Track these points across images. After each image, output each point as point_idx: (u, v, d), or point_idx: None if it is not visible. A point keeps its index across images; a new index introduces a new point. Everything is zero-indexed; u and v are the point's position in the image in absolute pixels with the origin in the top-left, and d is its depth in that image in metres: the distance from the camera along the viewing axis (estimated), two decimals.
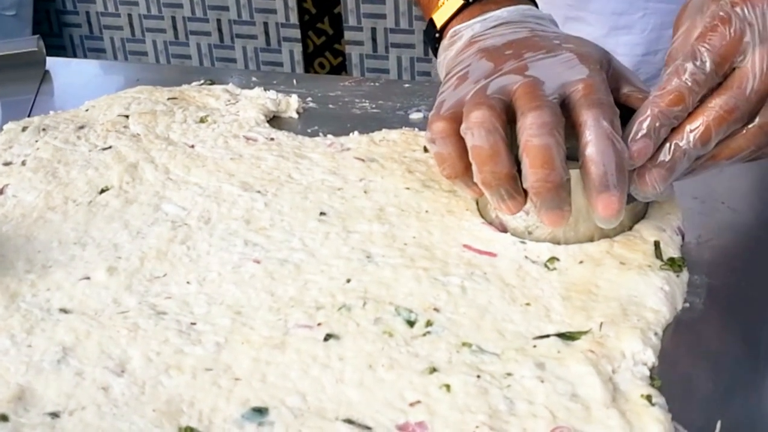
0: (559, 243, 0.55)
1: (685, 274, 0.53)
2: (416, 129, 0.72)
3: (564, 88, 0.53)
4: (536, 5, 0.66)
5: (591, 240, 0.55)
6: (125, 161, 0.68)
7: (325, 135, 0.72)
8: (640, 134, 0.51)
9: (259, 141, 0.71)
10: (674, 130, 0.52)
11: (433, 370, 0.46)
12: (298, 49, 2.45)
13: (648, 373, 0.45)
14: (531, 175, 0.51)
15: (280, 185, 0.64)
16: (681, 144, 0.52)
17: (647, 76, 0.90)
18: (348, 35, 2.38)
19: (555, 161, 0.50)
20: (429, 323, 0.49)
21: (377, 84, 0.83)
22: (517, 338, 0.48)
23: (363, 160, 0.67)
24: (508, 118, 0.53)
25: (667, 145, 0.52)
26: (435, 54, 0.68)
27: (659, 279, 0.51)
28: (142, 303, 0.52)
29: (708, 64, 0.50)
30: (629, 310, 0.49)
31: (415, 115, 0.76)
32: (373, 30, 2.33)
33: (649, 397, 0.43)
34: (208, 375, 0.47)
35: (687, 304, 0.51)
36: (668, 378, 0.45)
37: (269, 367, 0.47)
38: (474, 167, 0.53)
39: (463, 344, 0.47)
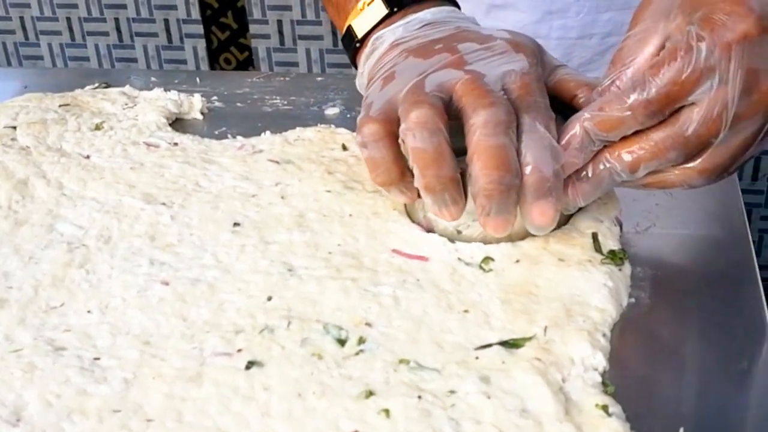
0: (490, 242, 0.52)
1: (627, 267, 0.50)
2: (332, 126, 0.67)
3: (503, 81, 0.50)
4: (458, 7, 0.62)
5: (524, 237, 0.52)
6: (13, 178, 0.62)
7: (234, 137, 0.67)
8: (570, 147, 0.48)
9: (161, 147, 0.66)
10: (606, 147, 0.49)
11: (370, 393, 0.41)
12: (201, 45, 2.36)
13: (600, 378, 0.42)
14: (483, 177, 0.47)
15: (187, 195, 0.59)
16: (608, 165, 0.49)
17: (581, 60, 0.88)
18: (253, 29, 2.31)
19: (510, 163, 0.47)
20: (361, 340, 0.45)
21: (287, 79, 0.78)
22: (458, 350, 0.44)
23: (278, 163, 0.62)
24: (450, 117, 0.49)
25: (596, 162, 0.49)
26: (354, 63, 0.63)
27: (601, 274, 0.48)
28: (38, 338, 0.47)
29: (654, 103, 0.46)
30: (573, 311, 0.46)
31: (330, 111, 0.72)
32: (279, 22, 2.27)
33: (605, 407, 0.40)
34: (116, 417, 0.41)
35: (632, 300, 0.48)
36: (621, 382, 0.42)
37: (185, 404, 0.42)
38: (416, 171, 0.49)
39: (400, 361, 0.43)
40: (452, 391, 0.41)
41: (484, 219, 0.49)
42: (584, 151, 0.48)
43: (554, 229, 0.51)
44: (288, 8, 2.25)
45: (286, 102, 0.74)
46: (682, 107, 0.47)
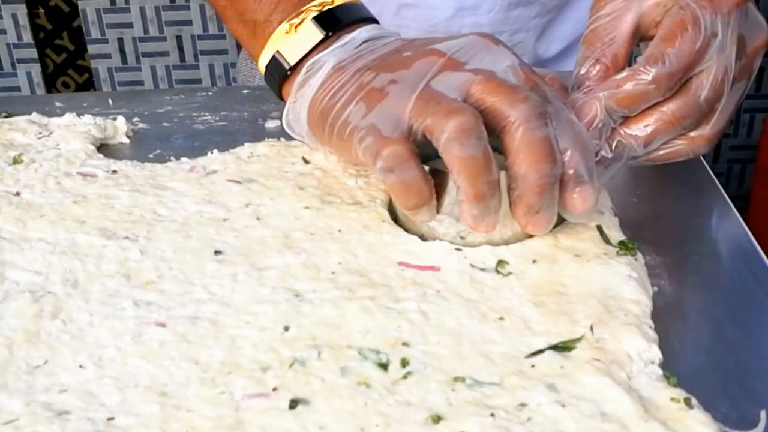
0: (497, 244, 0.50)
1: (640, 256, 0.49)
2: (282, 139, 0.63)
3: (506, 75, 0.48)
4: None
5: (529, 236, 0.50)
6: None
7: (177, 159, 0.61)
8: (591, 129, 0.49)
9: (99, 176, 0.59)
10: (620, 124, 0.49)
11: (438, 418, 0.38)
12: (36, 70, 2.21)
13: (661, 372, 0.41)
14: (534, 173, 0.46)
15: (149, 226, 0.53)
16: (624, 142, 0.49)
17: None
18: (92, 49, 2.19)
19: (556, 154, 0.46)
20: (405, 362, 0.42)
21: (210, 94, 0.73)
22: (509, 360, 0.42)
23: (239, 182, 0.58)
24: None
25: (610, 142, 0.49)
26: (279, 94, 0.59)
27: (622, 266, 0.47)
28: (31, 404, 0.40)
29: (676, 73, 0.48)
30: (610, 306, 0.45)
31: (271, 124, 0.67)
32: (120, 40, 2.16)
33: (686, 400, 0.38)
34: None
35: (655, 288, 0.47)
36: (678, 372, 0.41)
37: None
38: (464, 182, 0.46)
39: (455, 379, 0.41)
40: (523, 404, 0.39)
41: (529, 218, 0.47)
42: (603, 132, 0.49)
43: (558, 224, 0.50)
44: (129, 25, 2.14)
45: (217, 118, 0.69)
46: (691, 76, 0.49)
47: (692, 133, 0.50)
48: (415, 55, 0.51)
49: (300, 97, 0.56)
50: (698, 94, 0.48)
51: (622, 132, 0.49)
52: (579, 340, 0.42)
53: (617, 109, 0.48)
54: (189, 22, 2.14)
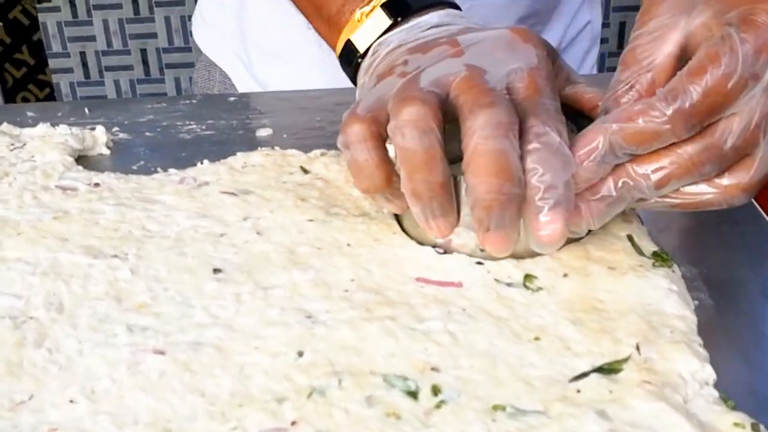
0: (522, 257, 0.46)
1: (677, 268, 0.46)
2: (276, 148, 0.59)
3: (508, 79, 0.44)
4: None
5: (532, 255, 0.46)
6: None
7: (164, 170, 0.57)
8: (587, 161, 0.42)
9: (80, 190, 0.55)
10: (629, 161, 0.43)
11: None
12: None
13: (717, 394, 0.37)
14: (480, 186, 0.41)
15: (139, 243, 0.49)
16: (631, 183, 0.43)
17: None
18: (53, 63, 2.13)
19: (511, 169, 0.41)
20: (436, 389, 0.38)
21: (194, 102, 0.69)
22: (551, 385, 0.38)
23: (234, 194, 0.53)
24: (445, 117, 0.43)
25: (617, 178, 0.43)
26: (353, 80, 0.55)
27: (661, 279, 0.44)
28: None
29: (696, 114, 0.40)
30: (654, 322, 0.41)
31: (263, 132, 0.63)
32: (83, 54, 2.10)
33: (755, 426, 0.35)
34: None
35: (696, 302, 0.44)
36: (734, 393, 0.37)
37: None
38: (402, 175, 0.44)
39: (494, 408, 0.37)
40: None
41: (482, 235, 0.43)
42: (603, 166, 0.42)
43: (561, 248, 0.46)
44: (91, 38, 2.08)
45: (204, 126, 0.65)
46: (719, 118, 0.41)
47: (725, 182, 0.43)
48: (441, 42, 0.48)
49: (365, 79, 0.53)
50: (724, 139, 0.41)
51: (630, 170, 0.42)
52: (625, 360, 0.39)
53: (624, 145, 0.41)
54: (154, 35, 2.09)
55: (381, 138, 0.45)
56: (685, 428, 0.35)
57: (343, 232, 0.49)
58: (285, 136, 0.62)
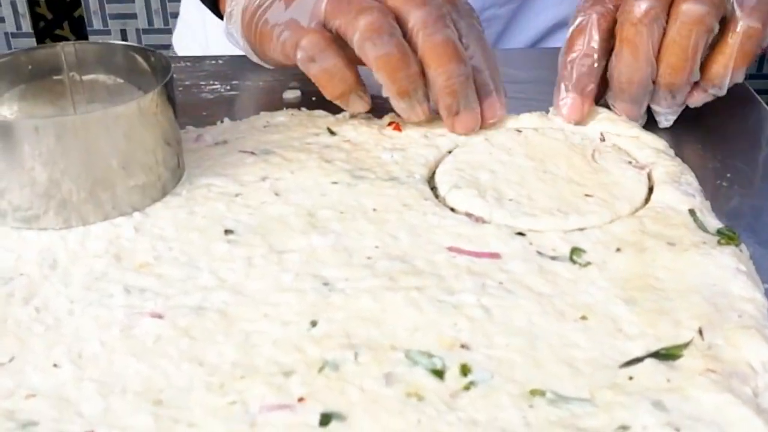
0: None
1: (744, 247, 0.40)
2: (303, 109, 0.54)
3: None
4: None
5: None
6: None
7: (182, 128, 0.53)
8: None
9: None
10: None
11: None
12: None
13: None
14: (441, 75, 0.47)
15: (150, 200, 0.45)
16: None
17: None
18: (94, 40, 2.10)
19: (461, 54, 0.47)
20: (465, 369, 0.33)
21: (220, 62, 0.65)
22: (599, 369, 0.33)
23: (254, 154, 0.49)
24: None
25: None
26: (217, 10, 0.60)
27: (728, 258, 0.39)
28: None
29: None
30: (720, 304, 0.36)
31: (290, 94, 0.59)
32: (123, 32, 2.08)
33: None
34: None
35: (766, 285, 0.38)
36: None
37: None
38: (384, 79, 0.47)
39: (532, 392, 0.32)
40: (624, 428, 0.30)
41: (453, 119, 0.49)
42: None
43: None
44: (132, 16, 2.06)
45: (228, 87, 0.60)
46: None
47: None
48: None
49: (235, 4, 0.55)
50: None
51: None
52: (686, 346, 0.34)
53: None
54: None
55: (338, 44, 0.47)
56: (756, 424, 0.30)
57: (369, 197, 0.44)
58: (314, 99, 0.58)
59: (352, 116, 0.52)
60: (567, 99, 0.50)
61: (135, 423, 0.31)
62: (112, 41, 0.50)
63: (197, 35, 0.86)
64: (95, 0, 2.04)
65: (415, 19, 0.46)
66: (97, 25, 2.08)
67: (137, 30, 2.08)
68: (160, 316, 0.36)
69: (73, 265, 0.40)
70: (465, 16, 0.49)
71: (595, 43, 0.48)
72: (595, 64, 0.49)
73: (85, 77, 0.50)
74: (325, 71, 0.48)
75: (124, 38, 2.08)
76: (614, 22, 0.48)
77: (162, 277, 0.39)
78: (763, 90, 1.90)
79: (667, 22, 0.46)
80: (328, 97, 0.49)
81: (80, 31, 2.09)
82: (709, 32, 0.46)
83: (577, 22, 0.49)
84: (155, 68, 0.47)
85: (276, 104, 0.57)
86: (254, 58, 0.56)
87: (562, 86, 0.50)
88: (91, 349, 0.35)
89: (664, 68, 0.47)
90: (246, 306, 0.37)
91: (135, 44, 0.48)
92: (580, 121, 0.50)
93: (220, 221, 0.43)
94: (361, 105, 0.50)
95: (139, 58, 0.48)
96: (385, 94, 0.48)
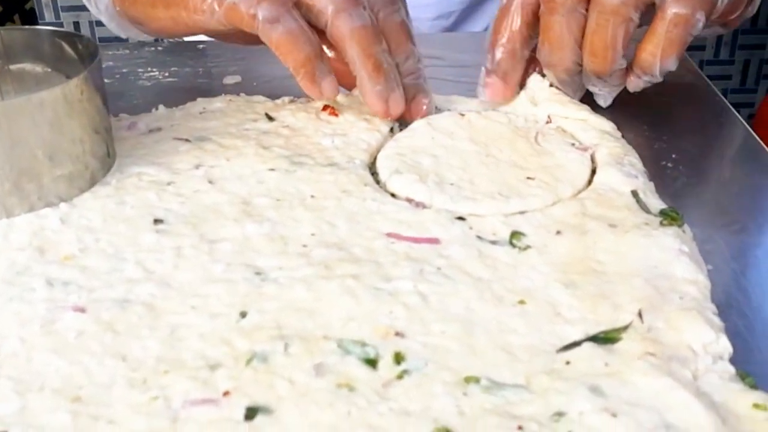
0: None
1: (688, 228, 0.40)
2: (242, 94, 0.53)
3: None
4: None
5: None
6: None
7: (116, 115, 0.51)
8: None
9: None
10: None
11: (446, 431, 0.28)
12: None
13: (734, 370, 0.31)
14: (365, 59, 0.46)
15: (78, 190, 0.43)
16: None
17: None
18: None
19: (378, 35, 0.47)
20: (399, 357, 0.32)
21: (160, 48, 0.63)
22: (536, 355, 0.32)
23: (188, 141, 0.47)
24: None
25: None
26: None
27: (670, 239, 0.38)
28: None
29: None
30: (661, 287, 0.35)
31: (230, 80, 0.57)
32: (76, 24, 2.04)
33: None
34: None
35: (709, 267, 0.38)
36: (750, 371, 0.31)
37: None
38: (356, 55, 0.45)
39: (467, 380, 0.31)
40: (560, 414, 0.29)
41: (386, 105, 0.47)
42: None
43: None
44: (84, 8, 2.02)
45: (167, 73, 0.59)
46: None
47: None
48: None
49: None
50: None
51: None
52: (625, 329, 0.33)
53: None
54: None
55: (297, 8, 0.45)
56: (695, 408, 0.29)
57: (307, 183, 0.43)
58: (255, 84, 0.56)
59: (291, 101, 0.51)
60: (489, 81, 0.49)
61: (51, 422, 0.29)
62: (38, 27, 0.48)
63: None
64: None
65: (332, 5, 0.45)
66: (49, 17, 2.04)
67: (90, 22, 2.04)
68: (82, 310, 0.35)
69: None
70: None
71: (517, 26, 0.48)
72: (517, 49, 0.48)
73: (13, 67, 0.48)
74: (290, 32, 0.45)
75: (77, 30, 2.04)
76: (539, 5, 0.47)
77: (87, 269, 0.37)
78: (744, 103, 1.92)
79: (587, 10, 0.45)
80: (290, 66, 0.46)
81: (32, 24, 2.05)
82: (627, 21, 0.44)
83: (504, 2, 0.48)
84: (83, 55, 0.45)
85: (216, 91, 0.55)
86: (115, 23, 0.57)
87: (483, 69, 0.50)
88: (10, 346, 0.33)
89: (587, 56, 0.46)
90: (173, 298, 0.35)
91: (62, 29, 0.46)
92: (504, 104, 0.50)
93: (150, 211, 0.41)
94: (329, 81, 0.46)
95: (66, 45, 0.46)
96: (359, 79, 0.46)
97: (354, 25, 0.45)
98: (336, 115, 0.49)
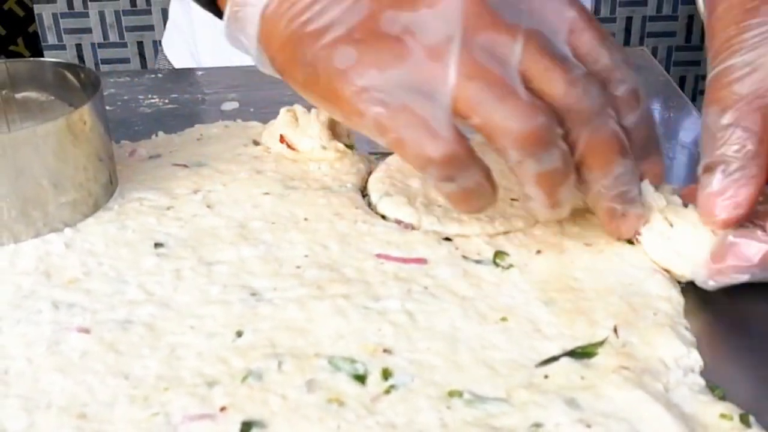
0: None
1: None
2: (239, 120, 0.55)
3: (570, 37, 0.38)
4: None
5: None
6: None
7: (117, 142, 0.53)
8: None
9: None
10: None
11: None
12: None
13: (704, 382, 0.33)
14: (605, 178, 0.38)
15: (81, 215, 0.45)
16: None
17: None
18: (49, 55, 2.09)
19: (625, 146, 0.38)
20: (387, 373, 0.33)
21: (160, 75, 0.65)
22: (516, 370, 0.34)
23: (186, 166, 0.49)
24: None
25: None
26: (214, 8, 0.43)
27: (644, 256, 0.40)
28: None
29: None
30: (635, 303, 0.37)
31: (228, 106, 0.59)
32: (78, 47, 2.07)
33: (744, 417, 0.31)
34: None
35: (683, 284, 0.39)
36: (723, 381, 0.33)
37: None
38: (540, 195, 0.38)
39: (450, 394, 0.32)
40: (537, 425, 0.31)
41: (617, 223, 0.40)
42: None
43: None
44: (87, 31, 2.05)
45: (167, 100, 0.61)
46: None
47: None
48: None
49: (244, 4, 0.40)
50: None
51: None
52: (601, 344, 0.34)
53: None
54: (151, 27, 2.06)
55: (471, 147, 0.37)
56: (665, 420, 0.31)
57: (301, 206, 0.45)
58: (252, 110, 0.58)
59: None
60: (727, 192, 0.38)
61: None
62: (42, 59, 0.50)
63: (185, 36, 0.79)
64: (49, 15, 2.03)
65: (578, 107, 0.36)
66: (51, 40, 2.07)
67: (92, 44, 2.07)
68: (87, 331, 0.36)
69: (2, 284, 0.40)
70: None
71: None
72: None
73: (18, 95, 0.50)
74: (464, 191, 0.38)
75: (80, 53, 2.07)
76: None
77: (90, 292, 0.39)
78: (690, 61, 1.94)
79: None
80: (459, 211, 0.41)
81: (35, 47, 2.07)
82: None
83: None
84: (85, 84, 0.47)
85: (214, 117, 0.57)
86: (267, 70, 0.42)
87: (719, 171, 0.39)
88: (18, 366, 0.35)
89: None
90: (172, 319, 0.37)
91: (64, 61, 0.48)
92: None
93: (151, 235, 0.43)
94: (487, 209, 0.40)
95: (69, 75, 0.48)
96: (531, 199, 0.39)
97: (540, 169, 0.37)
98: (294, 149, 0.49)
